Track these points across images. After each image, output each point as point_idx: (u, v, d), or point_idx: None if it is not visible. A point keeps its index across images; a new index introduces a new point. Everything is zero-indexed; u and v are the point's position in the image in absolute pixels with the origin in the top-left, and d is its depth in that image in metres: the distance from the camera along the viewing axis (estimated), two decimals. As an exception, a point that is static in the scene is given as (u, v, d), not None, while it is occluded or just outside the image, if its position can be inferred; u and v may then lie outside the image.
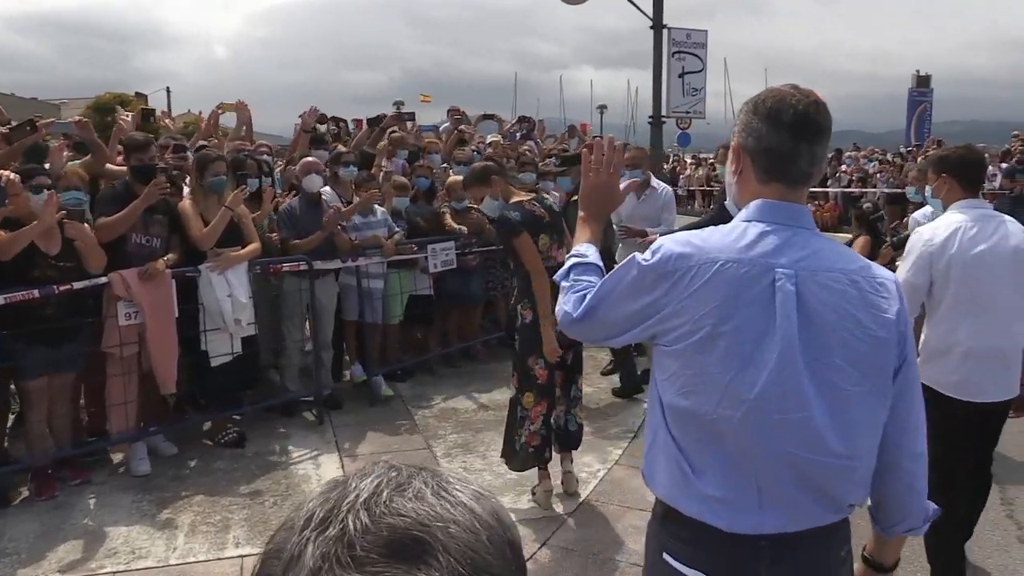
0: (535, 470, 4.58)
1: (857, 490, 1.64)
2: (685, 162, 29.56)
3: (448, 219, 7.05)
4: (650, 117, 12.61)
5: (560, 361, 4.42)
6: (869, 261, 1.70)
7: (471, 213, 7.16)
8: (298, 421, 6.07)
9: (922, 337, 3.42)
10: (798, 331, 1.54)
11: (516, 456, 4.51)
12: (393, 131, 7.69)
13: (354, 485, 0.65)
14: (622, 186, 2.09)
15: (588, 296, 1.78)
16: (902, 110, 30.12)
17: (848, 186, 19.88)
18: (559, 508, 4.59)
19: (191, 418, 5.83)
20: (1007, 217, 3.44)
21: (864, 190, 18.18)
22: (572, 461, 4.78)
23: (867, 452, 1.61)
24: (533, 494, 4.63)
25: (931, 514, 1.76)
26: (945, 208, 3.48)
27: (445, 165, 7.83)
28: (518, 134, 10.37)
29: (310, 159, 6.19)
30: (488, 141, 8.80)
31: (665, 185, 6.52)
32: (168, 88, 41.48)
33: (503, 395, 5.91)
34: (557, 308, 1.88)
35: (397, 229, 6.55)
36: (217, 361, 5.36)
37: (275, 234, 5.98)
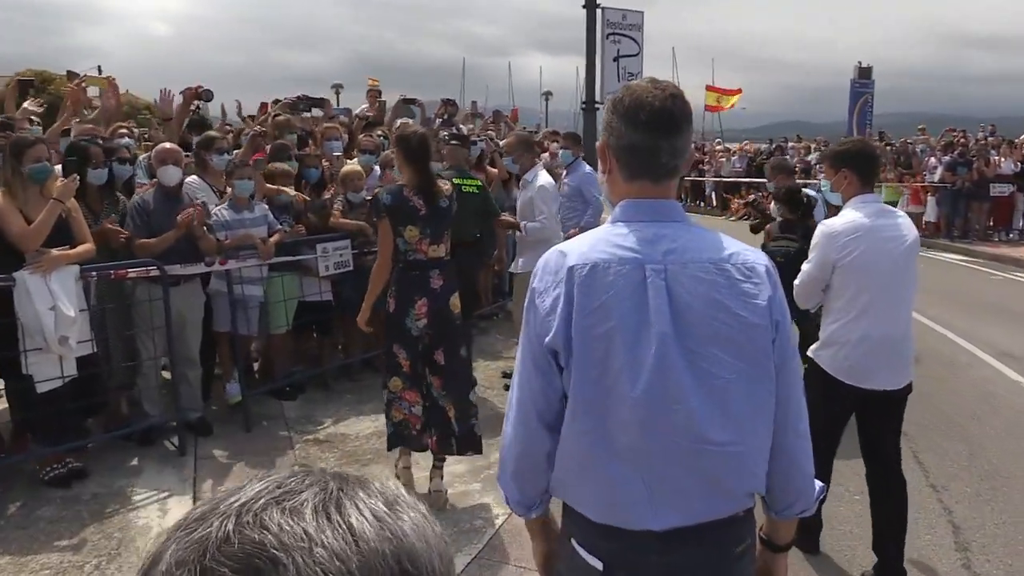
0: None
1: (751, 478, 1.66)
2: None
3: (336, 215, 6.17)
4: (583, 102, 11.86)
5: (427, 358, 4.31)
6: (742, 246, 1.69)
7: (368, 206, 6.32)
8: (157, 452, 5.18)
9: (822, 325, 3.60)
10: (672, 324, 1.58)
11: (390, 435, 4.52)
12: (277, 115, 6.81)
13: (246, 487, 0.60)
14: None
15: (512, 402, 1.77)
16: (845, 101, 30.00)
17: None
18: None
19: (29, 452, 4.85)
20: (899, 211, 3.69)
21: (808, 181, 17.77)
22: (443, 479, 4.52)
23: (753, 437, 1.64)
24: (398, 477, 4.53)
25: (819, 493, 1.81)
26: (844, 202, 3.56)
27: (339, 155, 6.94)
28: (438, 120, 9.56)
29: (167, 146, 5.25)
30: (396, 125, 7.95)
31: (544, 178, 5.95)
32: (99, 67, 39.66)
33: (400, 417, 5.16)
34: (503, 481, 1.85)
35: (279, 226, 5.68)
36: (45, 387, 4.45)
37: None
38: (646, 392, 1.56)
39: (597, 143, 1.77)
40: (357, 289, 6.17)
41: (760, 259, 1.69)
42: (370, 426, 5.62)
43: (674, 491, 1.61)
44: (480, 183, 6.61)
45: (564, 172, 7.63)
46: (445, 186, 4.34)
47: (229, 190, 5.50)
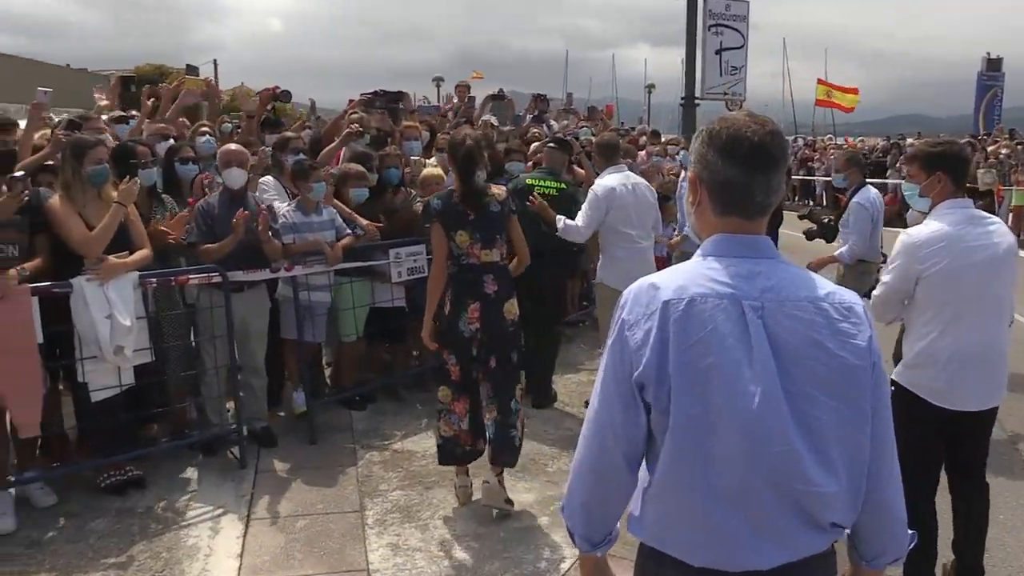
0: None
1: (842, 514, 1.63)
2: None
3: (418, 205, 5.92)
4: (683, 98, 11.23)
5: (481, 363, 4.18)
6: (835, 286, 1.67)
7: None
8: (218, 462, 5.01)
9: (906, 343, 3.38)
10: (774, 363, 1.55)
11: (440, 449, 4.39)
12: (354, 113, 6.57)
13: None
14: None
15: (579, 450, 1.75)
16: (969, 95, 28.14)
17: (909, 177, 18.25)
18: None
19: (85, 462, 4.70)
20: (992, 217, 3.40)
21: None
22: (498, 474, 4.29)
23: (849, 479, 1.61)
24: (457, 497, 4.43)
25: (911, 540, 1.78)
26: (932, 207, 3.34)
27: (417, 157, 6.64)
28: (529, 116, 9.21)
29: (231, 148, 5.06)
30: (480, 122, 7.63)
31: (603, 182, 5.61)
32: (215, 61, 41.50)
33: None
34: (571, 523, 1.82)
35: (348, 231, 5.43)
36: (100, 395, 4.33)
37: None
38: (749, 431, 1.54)
39: (688, 173, 1.73)
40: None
41: (855, 299, 1.66)
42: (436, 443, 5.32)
43: (776, 528, 1.59)
44: (564, 185, 6.23)
45: (683, 174, 7.44)
46: (498, 191, 4.25)
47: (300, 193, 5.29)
